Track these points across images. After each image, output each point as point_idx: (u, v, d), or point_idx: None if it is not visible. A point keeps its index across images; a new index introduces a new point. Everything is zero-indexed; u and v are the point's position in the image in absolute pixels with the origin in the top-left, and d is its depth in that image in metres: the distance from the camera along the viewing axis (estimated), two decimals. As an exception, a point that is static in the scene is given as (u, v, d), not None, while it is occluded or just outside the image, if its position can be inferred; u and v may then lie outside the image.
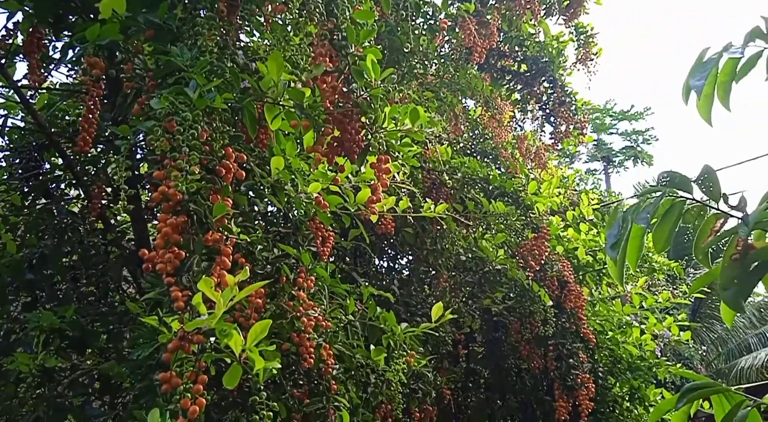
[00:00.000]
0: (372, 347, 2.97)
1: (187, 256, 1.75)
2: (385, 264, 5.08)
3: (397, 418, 2.99)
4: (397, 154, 2.08)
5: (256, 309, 2.35)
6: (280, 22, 2.26)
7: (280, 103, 1.97)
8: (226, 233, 1.81)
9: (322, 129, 1.95)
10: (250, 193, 2.88)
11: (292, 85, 2.04)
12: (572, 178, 6.72)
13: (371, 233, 4.08)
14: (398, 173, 3.21)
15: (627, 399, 4.43)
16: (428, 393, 3.20)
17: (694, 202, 1.68)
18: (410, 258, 5.03)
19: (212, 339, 1.71)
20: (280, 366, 1.70)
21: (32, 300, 3.38)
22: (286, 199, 2.73)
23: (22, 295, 3.25)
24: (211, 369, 1.75)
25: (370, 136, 1.93)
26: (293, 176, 2.70)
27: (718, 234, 1.67)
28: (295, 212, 2.88)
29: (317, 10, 1.85)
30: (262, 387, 1.70)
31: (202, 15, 2.02)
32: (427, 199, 3.32)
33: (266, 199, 3.26)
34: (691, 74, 1.72)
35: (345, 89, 1.95)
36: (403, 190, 3.35)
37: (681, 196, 1.70)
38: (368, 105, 1.93)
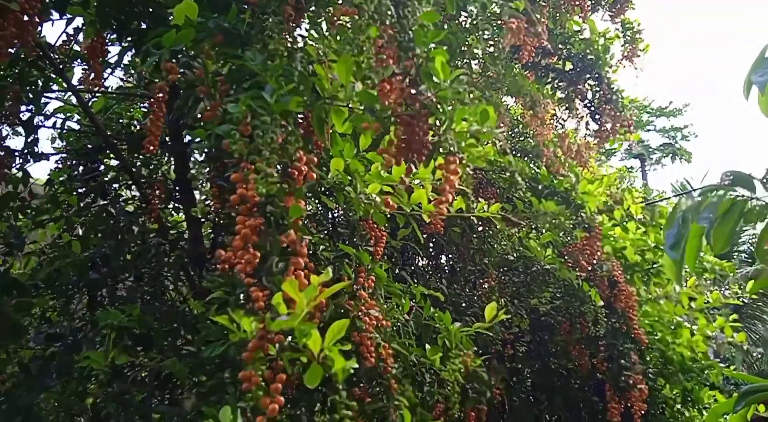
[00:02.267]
0: (427, 346, 2.99)
1: (263, 257, 1.79)
2: (427, 263, 5.09)
3: (453, 418, 3.00)
4: (461, 154, 2.09)
5: (319, 309, 2.38)
6: (345, 26, 2.29)
7: (349, 106, 1.99)
8: (300, 234, 1.84)
9: (391, 131, 1.96)
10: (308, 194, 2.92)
11: (358, 87, 2.07)
12: (614, 176, 6.64)
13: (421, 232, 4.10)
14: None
15: (678, 401, 4.36)
16: (483, 393, 3.20)
17: (757, 201, 1.66)
18: (451, 256, 5.03)
19: (288, 338, 1.75)
20: (357, 365, 1.72)
21: (91, 299, 3.48)
22: (344, 200, 2.76)
23: (83, 294, 3.34)
24: (287, 368, 1.78)
25: (438, 137, 1.94)
26: (351, 178, 2.73)
27: (783, 234, 1.64)
28: (351, 213, 2.92)
29: (389, 12, 1.87)
30: (341, 387, 1.71)
31: (269, 19, 2.05)
32: (480, 199, 3.32)
33: (317, 200, 3.29)
34: (753, 70, 1.69)
35: (413, 91, 1.97)
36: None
37: (743, 196, 1.68)
38: (436, 106, 1.94)
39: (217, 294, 2.44)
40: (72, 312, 3.41)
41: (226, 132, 1.78)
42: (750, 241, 16.16)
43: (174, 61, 2.53)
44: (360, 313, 2.53)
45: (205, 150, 2.45)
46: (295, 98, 1.86)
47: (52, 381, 3.02)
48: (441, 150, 1.93)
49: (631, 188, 6.58)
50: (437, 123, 1.92)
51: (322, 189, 2.93)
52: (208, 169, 3.34)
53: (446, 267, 5.09)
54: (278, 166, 1.83)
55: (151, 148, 2.53)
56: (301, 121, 2.11)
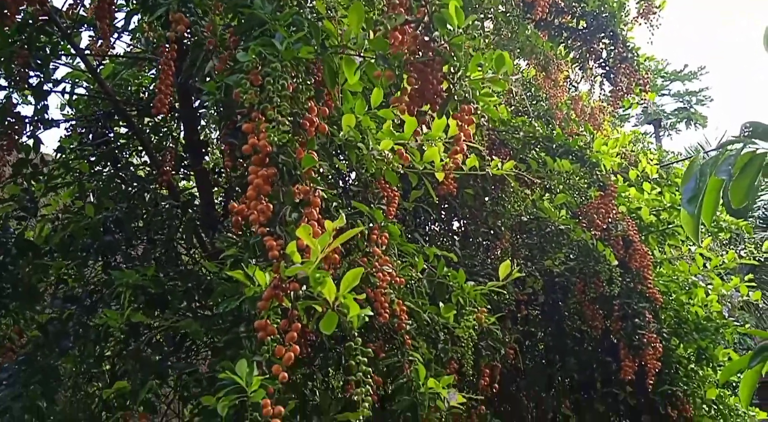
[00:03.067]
0: (440, 305, 2.99)
1: (276, 208, 1.78)
2: (439, 228, 5.06)
3: (467, 374, 3.01)
4: (476, 103, 2.05)
5: (333, 265, 2.37)
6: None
7: (361, 55, 1.96)
8: (314, 185, 1.82)
9: (404, 79, 1.93)
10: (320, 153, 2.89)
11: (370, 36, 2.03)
12: (629, 137, 6.55)
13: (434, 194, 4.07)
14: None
15: (693, 360, 4.36)
16: (497, 350, 3.21)
17: (778, 153, 1.62)
18: (464, 221, 5.01)
19: (303, 288, 1.74)
20: (371, 313, 1.71)
21: (106, 263, 3.49)
22: (356, 159, 2.73)
23: (97, 259, 3.35)
24: (302, 319, 1.78)
25: (452, 86, 1.91)
26: (362, 135, 2.70)
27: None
28: (363, 171, 2.89)
29: (401, -43, 1.82)
30: (356, 334, 1.71)
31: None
32: (494, 158, 3.28)
33: (329, 162, 3.26)
34: (774, 20, 1.64)
35: (426, 38, 1.92)
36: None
37: (763, 148, 1.64)
38: (450, 54, 1.90)
39: (231, 252, 2.45)
40: (87, 276, 3.43)
41: (236, 82, 1.75)
42: (765, 207, 16.01)
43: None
44: (373, 270, 2.52)
45: (216, 108, 2.42)
46: (306, 46, 1.83)
47: (70, 343, 3.05)
48: (455, 98, 1.89)
49: (645, 150, 6.50)
50: (451, 70, 1.88)
51: (334, 148, 2.90)
52: (218, 129, 3.31)
53: (459, 232, 5.08)
54: (290, 117, 1.81)
55: (161, 107, 2.51)
56: (311, 75, 2.07)
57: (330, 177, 3.54)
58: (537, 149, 4.05)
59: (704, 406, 4.38)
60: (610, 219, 4.06)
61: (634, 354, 3.96)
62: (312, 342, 3.16)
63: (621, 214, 4.31)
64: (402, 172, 2.87)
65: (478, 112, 2.05)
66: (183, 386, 3.11)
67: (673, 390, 4.22)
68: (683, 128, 20.19)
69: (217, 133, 3.63)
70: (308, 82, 1.85)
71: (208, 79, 2.72)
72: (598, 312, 4.23)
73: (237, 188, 3.48)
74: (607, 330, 4.38)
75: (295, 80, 1.80)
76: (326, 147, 2.86)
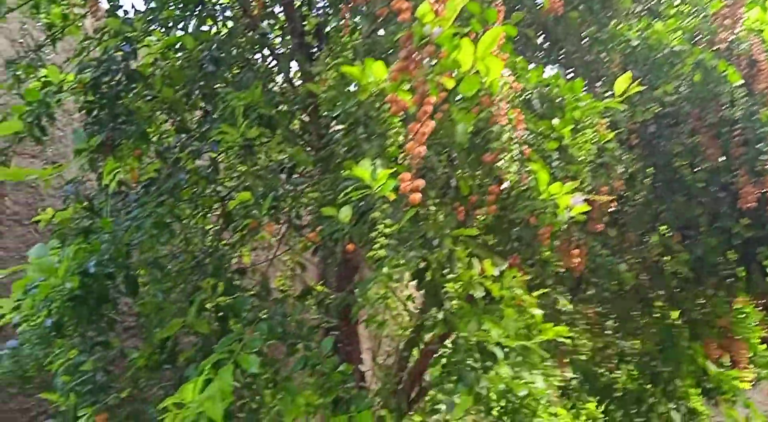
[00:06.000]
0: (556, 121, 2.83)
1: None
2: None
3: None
4: None
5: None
6: None
7: None
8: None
9: None
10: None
11: None
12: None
13: (535, 18, 3.79)
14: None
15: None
16: (614, 168, 3.06)
17: None
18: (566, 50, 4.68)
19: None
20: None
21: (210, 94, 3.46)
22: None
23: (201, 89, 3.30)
24: (433, 92, 1.68)
25: None
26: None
27: None
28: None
29: None
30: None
31: None
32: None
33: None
34: None
35: None
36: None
37: None
38: None
39: (340, 59, 2.35)
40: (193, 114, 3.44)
41: None
42: None
43: None
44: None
45: None
46: None
47: (185, 176, 3.11)
48: None
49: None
50: None
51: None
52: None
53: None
54: None
55: None
56: None
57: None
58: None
59: (827, 240, 4.12)
60: (734, 34, 3.67)
61: (756, 181, 3.71)
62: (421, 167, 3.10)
63: (744, 32, 3.89)
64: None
65: None
66: (296, 214, 3.18)
67: (794, 221, 3.96)
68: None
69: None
70: None
71: None
72: (714, 140, 3.93)
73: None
74: (716, 168, 4.08)
75: None
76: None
